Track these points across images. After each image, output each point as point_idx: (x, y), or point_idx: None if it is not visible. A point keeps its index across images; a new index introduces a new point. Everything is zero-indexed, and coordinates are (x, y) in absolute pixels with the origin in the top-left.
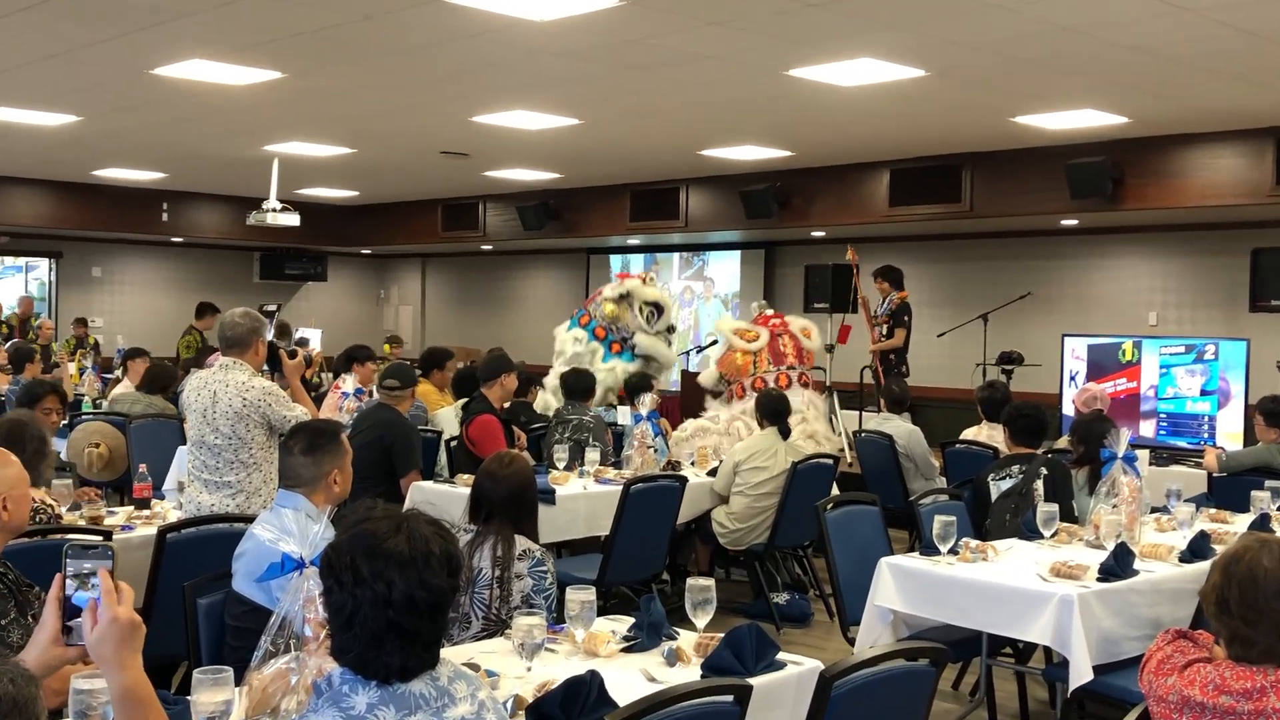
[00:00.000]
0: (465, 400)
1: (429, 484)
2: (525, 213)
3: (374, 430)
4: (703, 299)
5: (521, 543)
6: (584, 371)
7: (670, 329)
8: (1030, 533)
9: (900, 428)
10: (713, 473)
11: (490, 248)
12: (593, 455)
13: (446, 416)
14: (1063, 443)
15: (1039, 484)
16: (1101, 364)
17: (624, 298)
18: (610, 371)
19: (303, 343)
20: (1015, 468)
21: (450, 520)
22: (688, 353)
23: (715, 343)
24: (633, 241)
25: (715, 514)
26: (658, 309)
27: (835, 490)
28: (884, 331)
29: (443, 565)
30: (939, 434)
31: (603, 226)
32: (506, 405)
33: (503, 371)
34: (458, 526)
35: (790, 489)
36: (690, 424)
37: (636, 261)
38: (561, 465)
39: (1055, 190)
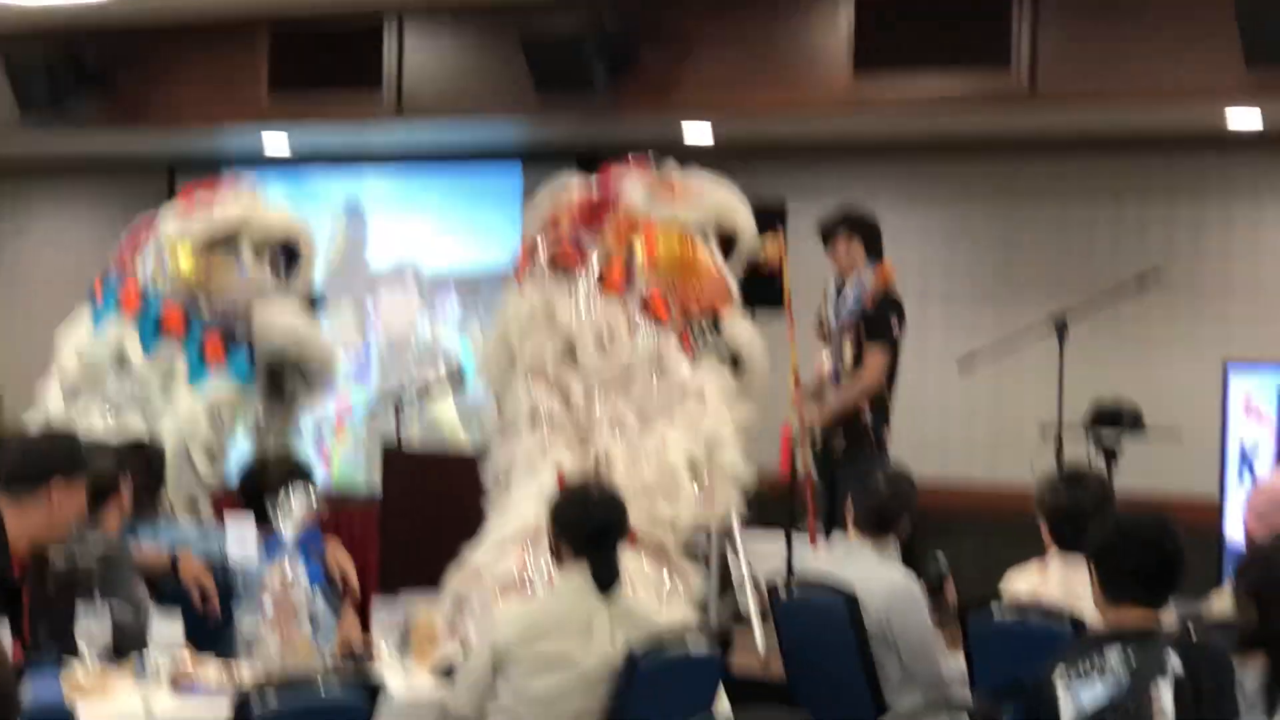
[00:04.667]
0: None
1: None
2: (29, 75)
3: None
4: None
5: None
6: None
7: (315, 301)
8: None
9: (872, 577)
10: (448, 669)
11: None
12: (169, 632)
13: None
14: (1222, 599)
15: (1162, 692)
16: None
17: (220, 242)
18: (205, 414)
19: None
20: (1114, 656)
21: None
22: (398, 401)
23: (461, 376)
24: (275, 141)
25: None
26: (285, 253)
27: (725, 708)
28: (844, 357)
29: None
30: (958, 583)
31: (209, 106)
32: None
33: (58, 470)
34: None
35: (623, 710)
36: None
37: (282, 189)
38: (94, 652)
39: (1221, 46)
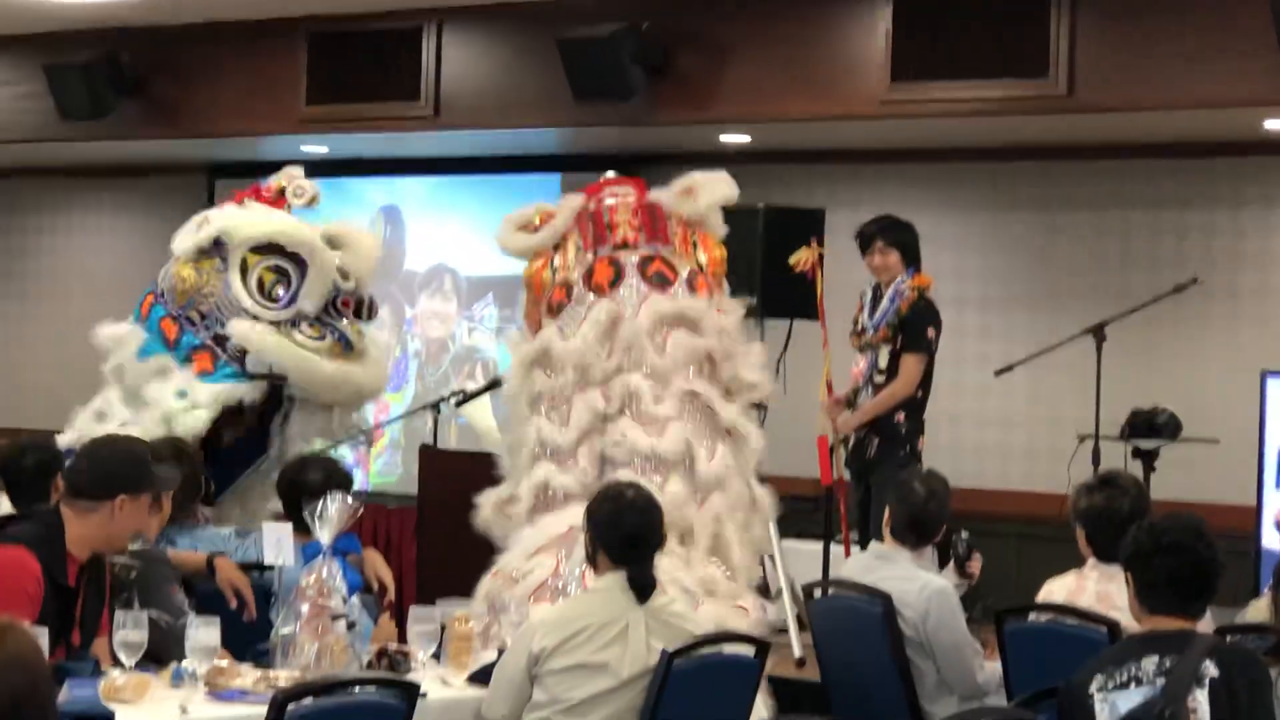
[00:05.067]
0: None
1: None
2: (65, 81)
3: None
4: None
5: None
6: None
7: (363, 307)
8: None
9: (909, 582)
10: (482, 675)
11: None
12: (205, 638)
13: None
14: (1258, 610)
15: (1199, 698)
16: None
17: (211, 248)
18: (188, 412)
19: None
20: (1150, 664)
21: None
22: (436, 405)
23: (498, 383)
24: (313, 150)
25: None
26: (287, 266)
27: (760, 712)
28: (879, 364)
29: None
30: (994, 591)
31: (248, 115)
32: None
33: (125, 489)
34: None
35: (658, 714)
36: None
37: (320, 193)
38: (132, 659)
39: (1258, 53)
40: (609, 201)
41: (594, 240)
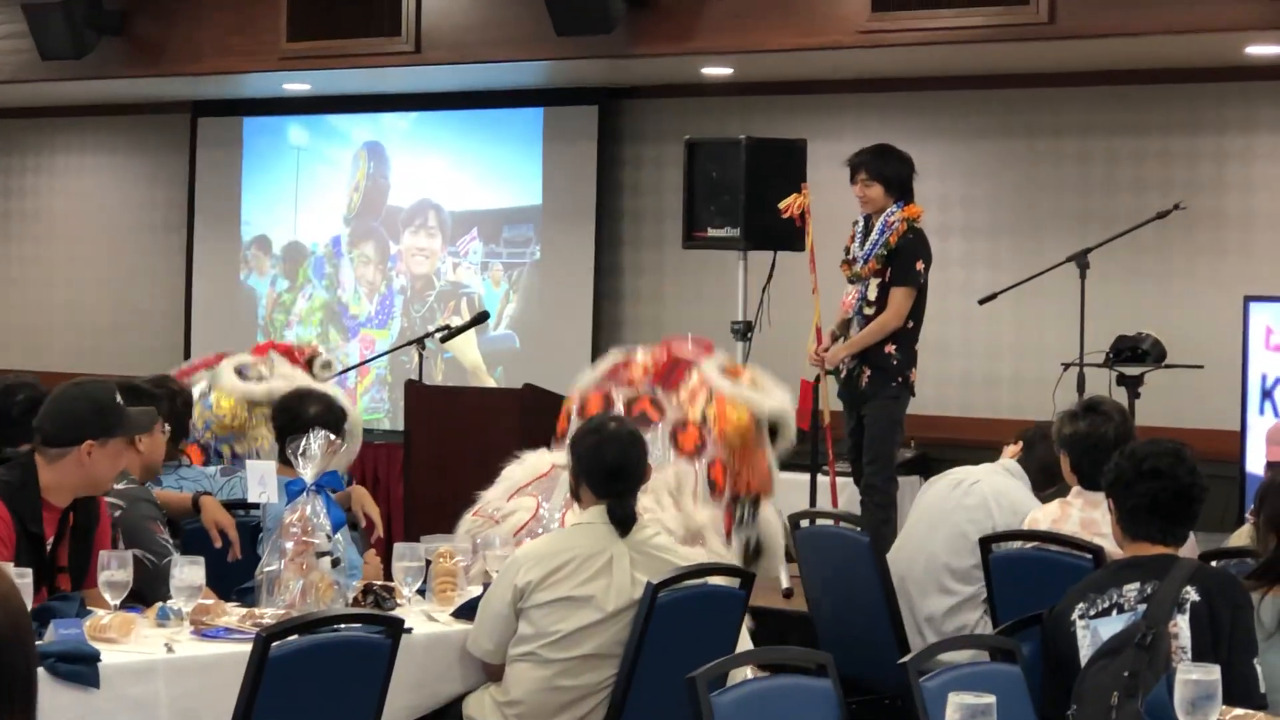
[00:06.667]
0: None
1: None
2: (45, 21)
3: None
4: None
5: None
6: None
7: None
8: None
9: (1025, 502)
10: (468, 610)
11: None
12: (190, 576)
13: None
14: (1240, 536)
15: (1180, 623)
16: None
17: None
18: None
19: None
20: (1132, 590)
21: None
22: (421, 340)
23: (484, 317)
24: (296, 87)
25: (474, 706)
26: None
27: (745, 643)
28: (866, 294)
29: None
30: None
31: (229, 52)
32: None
33: (90, 435)
34: None
35: (644, 646)
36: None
37: (303, 130)
38: (116, 598)
39: None
40: (642, 353)
41: (608, 376)
